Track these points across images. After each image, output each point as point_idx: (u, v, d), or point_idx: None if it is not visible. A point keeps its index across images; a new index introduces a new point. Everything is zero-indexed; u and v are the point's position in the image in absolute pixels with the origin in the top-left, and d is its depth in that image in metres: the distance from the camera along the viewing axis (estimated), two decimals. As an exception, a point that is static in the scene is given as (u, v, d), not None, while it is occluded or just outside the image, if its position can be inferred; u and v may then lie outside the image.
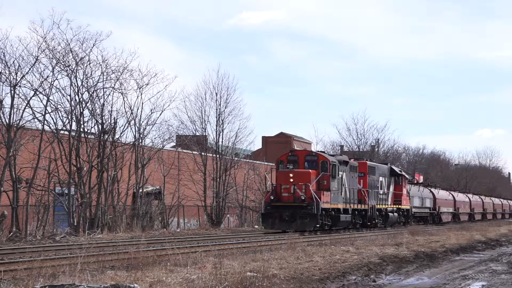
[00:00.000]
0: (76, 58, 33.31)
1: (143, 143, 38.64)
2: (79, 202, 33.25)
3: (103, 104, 34.83)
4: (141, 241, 22.83)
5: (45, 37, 31.66)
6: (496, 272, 16.91)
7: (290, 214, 33.23)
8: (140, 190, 38.11)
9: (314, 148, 66.26)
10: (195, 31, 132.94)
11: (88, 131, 34.72)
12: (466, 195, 74.20)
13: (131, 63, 36.79)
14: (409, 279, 15.24)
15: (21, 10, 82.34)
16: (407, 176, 51.20)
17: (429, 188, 62.03)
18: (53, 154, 32.52)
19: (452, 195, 67.73)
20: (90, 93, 34.27)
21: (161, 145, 40.87)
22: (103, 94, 34.86)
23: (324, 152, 36.99)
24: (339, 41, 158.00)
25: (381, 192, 43.89)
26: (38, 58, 31.56)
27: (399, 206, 47.49)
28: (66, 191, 33.43)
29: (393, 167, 48.60)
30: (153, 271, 13.74)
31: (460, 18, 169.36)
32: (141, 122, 37.78)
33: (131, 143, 37.79)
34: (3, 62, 30.48)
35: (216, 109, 45.59)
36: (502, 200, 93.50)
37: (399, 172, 48.47)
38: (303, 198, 33.11)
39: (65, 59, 33.01)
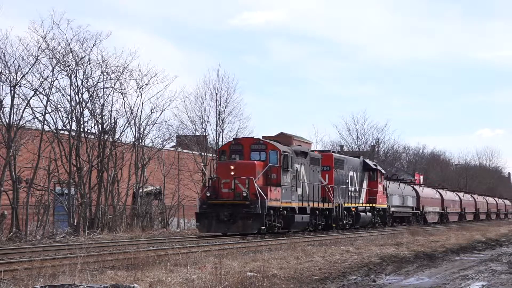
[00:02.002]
0: (76, 58, 33.35)
1: (143, 143, 38.66)
2: (79, 202, 33.26)
3: (103, 104, 34.87)
4: (141, 241, 22.84)
5: (45, 37, 31.71)
6: (496, 272, 16.91)
7: (229, 213, 28.08)
8: (140, 190, 38.12)
9: (314, 148, 66.18)
10: (195, 31, 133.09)
11: (88, 131, 34.74)
12: (456, 194, 69.63)
13: (131, 63, 36.85)
14: (409, 279, 15.24)
15: (21, 10, 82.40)
16: (383, 171, 45.91)
17: (412, 185, 57.25)
18: (53, 154, 32.52)
19: (439, 193, 62.89)
20: (90, 93, 34.32)
21: (161, 145, 40.90)
22: (103, 94, 34.92)
23: (278, 141, 31.99)
24: (339, 41, 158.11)
25: (351, 189, 38.97)
26: (38, 58, 31.62)
27: (374, 205, 42.46)
28: (66, 191, 33.44)
29: (367, 160, 43.55)
30: (153, 271, 13.74)
31: (460, 18, 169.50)
32: (141, 122, 37.84)
33: (131, 143, 37.81)
34: (3, 62, 30.54)
35: (216, 109, 45.64)
36: (496, 199, 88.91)
37: (374, 167, 43.18)
38: (245, 194, 27.91)
39: (65, 59, 33.05)
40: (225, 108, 45.72)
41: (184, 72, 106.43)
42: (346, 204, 37.38)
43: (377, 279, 14.78)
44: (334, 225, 35.88)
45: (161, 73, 54.91)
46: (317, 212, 34.08)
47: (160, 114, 38.53)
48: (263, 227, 28.32)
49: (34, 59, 31.40)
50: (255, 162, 29.11)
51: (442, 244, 25.58)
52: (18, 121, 30.60)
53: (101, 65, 34.37)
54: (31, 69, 31.37)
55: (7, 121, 30.21)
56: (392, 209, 48.14)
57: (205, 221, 28.55)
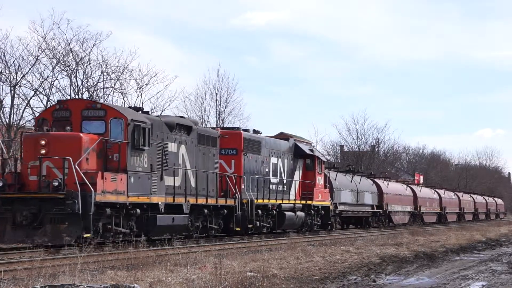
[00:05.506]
0: (76, 58, 33.46)
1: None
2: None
3: (103, 104, 34.87)
4: (141, 241, 22.80)
5: (45, 37, 31.85)
6: (496, 272, 16.92)
7: (32, 214, 18.78)
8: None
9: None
10: (195, 31, 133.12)
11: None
12: (435, 191, 61.33)
13: (131, 63, 36.89)
14: (409, 279, 15.25)
15: (21, 10, 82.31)
16: (323, 158, 36.81)
17: (372, 179, 47.39)
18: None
19: (411, 189, 53.93)
20: (90, 93, 34.36)
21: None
22: (103, 94, 34.96)
23: (142, 109, 23.41)
24: (339, 41, 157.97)
25: (273, 181, 30.21)
26: (38, 58, 31.76)
27: (311, 202, 33.10)
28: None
29: (300, 144, 34.20)
30: (153, 271, 13.76)
31: (460, 18, 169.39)
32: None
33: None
34: (3, 62, 30.66)
35: (216, 109, 45.75)
36: (486, 198, 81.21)
37: (310, 152, 33.70)
38: (56, 184, 18.64)
39: (65, 59, 33.14)
40: (225, 108, 45.83)
41: (184, 72, 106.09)
42: (261, 201, 28.57)
43: (377, 279, 14.78)
44: (238, 229, 26.98)
45: (161, 73, 54.92)
46: (206, 211, 25.00)
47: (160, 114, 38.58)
48: (88, 234, 18.98)
49: (34, 59, 31.56)
50: (81, 134, 19.83)
51: (442, 244, 25.58)
52: (18, 121, 30.66)
53: (101, 65, 34.48)
54: (31, 69, 31.55)
55: (7, 121, 30.25)
56: (341, 207, 39.08)
57: None
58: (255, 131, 30.51)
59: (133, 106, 25.52)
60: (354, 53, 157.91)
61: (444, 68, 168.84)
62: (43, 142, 19.22)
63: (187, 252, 18.09)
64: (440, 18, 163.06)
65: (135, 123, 20.66)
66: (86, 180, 18.77)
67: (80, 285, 10.32)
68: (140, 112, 22.26)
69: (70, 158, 18.70)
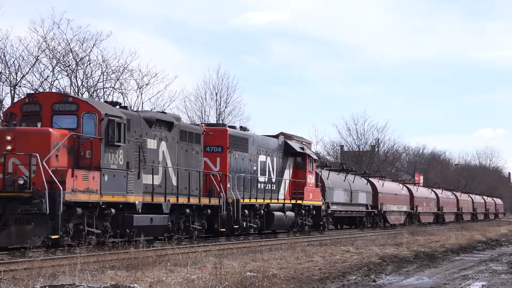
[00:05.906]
0: (76, 58, 33.51)
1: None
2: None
3: (103, 104, 34.89)
4: (141, 241, 22.80)
5: (45, 37, 31.94)
6: (496, 272, 16.93)
7: None
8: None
9: (314, 148, 66.18)
10: (195, 31, 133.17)
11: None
12: (432, 190, 60.17)
13: (131, 63, 36.90)
14: (409, 279, 15.25)
15: (21, 10, 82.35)
16: (315, 156, 35.78)
17: (367, 178, 46.32)
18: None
19: (407, 189, 52.70)
20: (90, 93, 34.40)
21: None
22: (103, 94, 34.99)
23: (119, 104, 22.38)
24: (339, 41, 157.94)
25: (261, 180, 29.25)
26: (38, 58, 31.81)
27: (301, 202, 32.13)
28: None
29: (290, 142, 33.04)
30: (153, 271, 13.76)
31: (460, 18, 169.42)
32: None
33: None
34: (3, 62, 30.70)
35: (216, 109, 45.78)
36: (485, 198, 79.89)
37: (300, 150, 32.73)
38: (22, 182, 17.79)
39: (65, 59, 33.18)
40: (225, 108, 45.86)
41: (184, 72, 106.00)
42: (247, 200, 27.59)
43: (377, 279, 14.79)
44: (223, 229, 25.85)
45: (161, 73, 55.03)
46: (188, 211, 23.94)
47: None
48: (56, 236, 18.05)
49: (34, 59, 31.61)
50: (50, 130, 18.78)
51: (442, 244, 25.60)
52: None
53: (101, 65, 34.52)
54: (31, 69, 31.57)
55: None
56: (334, 207, 37.94)
57: None
58: (242, 128, 29.61)
59: (109, 101, 24.64)
60: (354, 53, 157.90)
61: (444, 68, 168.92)
62: (9, 138, 18.19)
63: (187, 252, 18.09)
64: (440, 18, 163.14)
65: (109, 118, 19.64)
66: (54, 178, 17.87)
67: (80, 285, 10.32)
68: (118, 107, 21.25)
69: (37, 155, 17.79)
